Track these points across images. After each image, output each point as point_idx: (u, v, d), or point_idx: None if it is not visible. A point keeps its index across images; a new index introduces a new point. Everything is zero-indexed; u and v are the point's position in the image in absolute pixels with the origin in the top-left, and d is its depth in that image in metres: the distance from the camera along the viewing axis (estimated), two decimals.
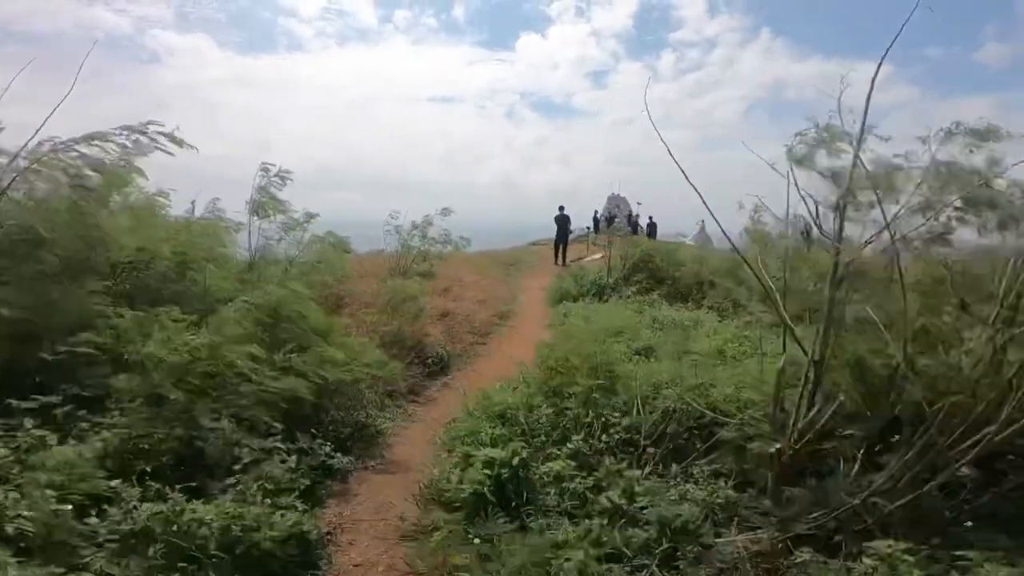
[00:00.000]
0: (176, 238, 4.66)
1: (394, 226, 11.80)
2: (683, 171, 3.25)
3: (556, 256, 17.14)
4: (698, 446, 3.85)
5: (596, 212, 25.61)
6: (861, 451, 3.10)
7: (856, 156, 3.00)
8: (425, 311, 7.32)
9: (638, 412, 4.18)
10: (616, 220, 25.51)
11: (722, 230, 3.63)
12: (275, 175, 7.39)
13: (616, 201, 28.16)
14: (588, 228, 24.48)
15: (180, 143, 4.31)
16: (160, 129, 4.20)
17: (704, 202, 3.35)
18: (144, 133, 4.14)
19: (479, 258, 16.15)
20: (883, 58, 3.02)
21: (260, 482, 3.01)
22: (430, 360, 6.25)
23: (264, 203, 7.39)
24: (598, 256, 17.66)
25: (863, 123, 2.96)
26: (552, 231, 18.34)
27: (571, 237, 18.81)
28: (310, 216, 8.26)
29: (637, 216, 24.41)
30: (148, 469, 2.96)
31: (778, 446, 3.09)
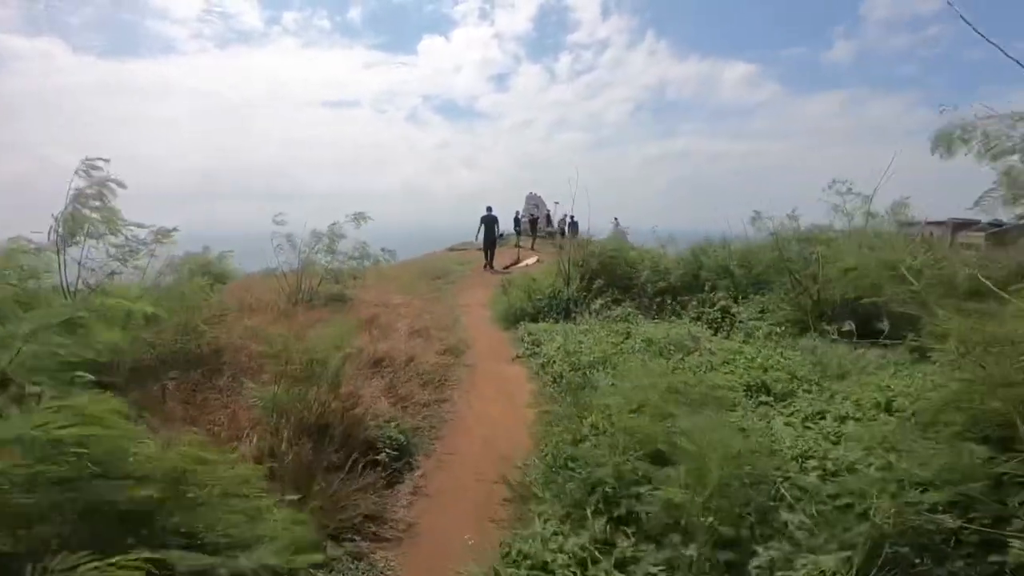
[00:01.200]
0: None
1: (284, 236, 9.02)
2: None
3: (487, 261, 15.56)
4: None
5: (517, 213, 23.96)
6: None
7: None
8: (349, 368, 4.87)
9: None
10: (538, 221, 24.07)
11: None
12: (97, 181, 4.75)
13: (535, 200, 26.76)
14: (517, 230, 22.73)
15: None
16: None
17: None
18: None
19: (399, 271, 13.64)
20: None
21: None
22: (384, 453, 3.87)
23: (82, 218, 4.74)
24: (532, 260, 15.85)
25: None
26: (471, 234, 16.35)
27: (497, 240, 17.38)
28: (164, 234, 5.50)
29: (567, 217, 23.04)
30: None
31: None
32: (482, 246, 15.87)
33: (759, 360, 5.58)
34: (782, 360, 5.59)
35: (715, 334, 7.69)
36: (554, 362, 6.46)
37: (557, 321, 8.65)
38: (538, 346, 7.31)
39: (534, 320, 8.93)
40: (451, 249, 26.45)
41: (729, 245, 9.65)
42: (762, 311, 8.04)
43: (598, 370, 5.66)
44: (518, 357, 7.25)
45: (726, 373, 5.24)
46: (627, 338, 7.07)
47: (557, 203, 26.69)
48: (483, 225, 15.53)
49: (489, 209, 15.68)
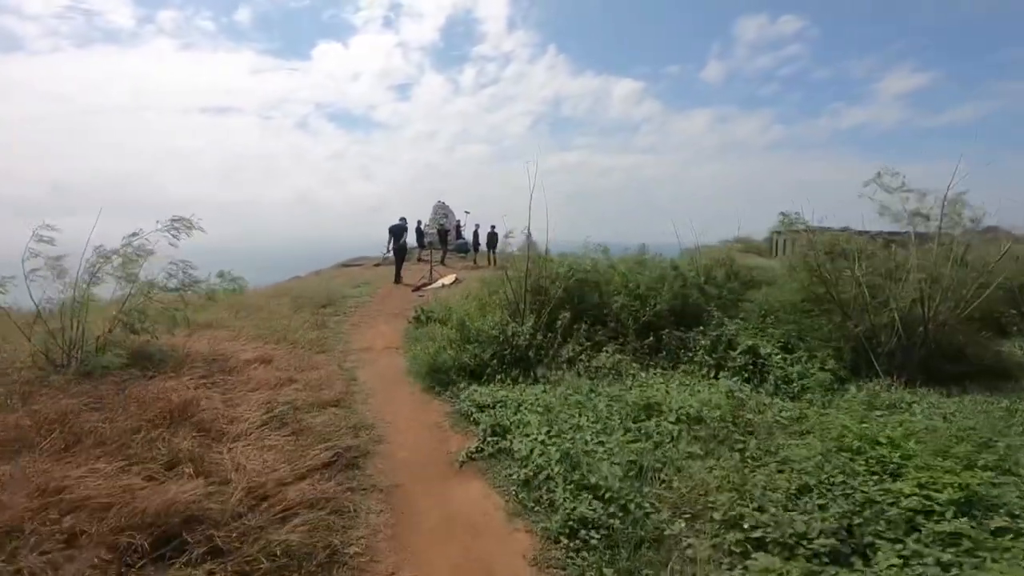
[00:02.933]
0: None
1: (49, 262, 5.08)
2: None
3: (397, 277, 13.58)
4: None
5: (420, 223, 20.53)
6: None
7: None
8: None
9: None
10: (448, 232, 20.92)
11: None
12: None
13: (444, 210, 23.51)
14: (421, 243, 19.35)
15: None
16: None
17: None
18: None
19: (269, 299, 9.73)
20: None
21: None
22: None
23: None
24: (449, 280, 12.67)
25: None
26: (368, 248, 15.80)
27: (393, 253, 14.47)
28: None
29: (479, 228, 20.12)
30: None
31: None
32: (393, 259, 14.70)
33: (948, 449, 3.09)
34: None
35: (753, 389, 5.18)
36: (549, 479, 3.43)
37: (516, 381, 5.60)
38: (501, 436, 4.22)
39: (476, 377, 5.82)
40: (344, 265, 22.28)
41: (732, 263, 7.38)
42: (803, 353, 5.75)
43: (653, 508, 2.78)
44: (471, 459, 4.10)
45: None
46: (649, 416, 4.27)
47: (468, 212, 23.79)
48: (391, 236, 14.22)
49: (403, 220, 14.83)
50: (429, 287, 12.13)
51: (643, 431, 3.91)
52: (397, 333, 8.24)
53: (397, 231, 14.29)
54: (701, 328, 6.39)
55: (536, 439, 3.92)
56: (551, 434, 3.96)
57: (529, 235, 24.03)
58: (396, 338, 7.97)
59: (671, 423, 4.03)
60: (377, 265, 20.83)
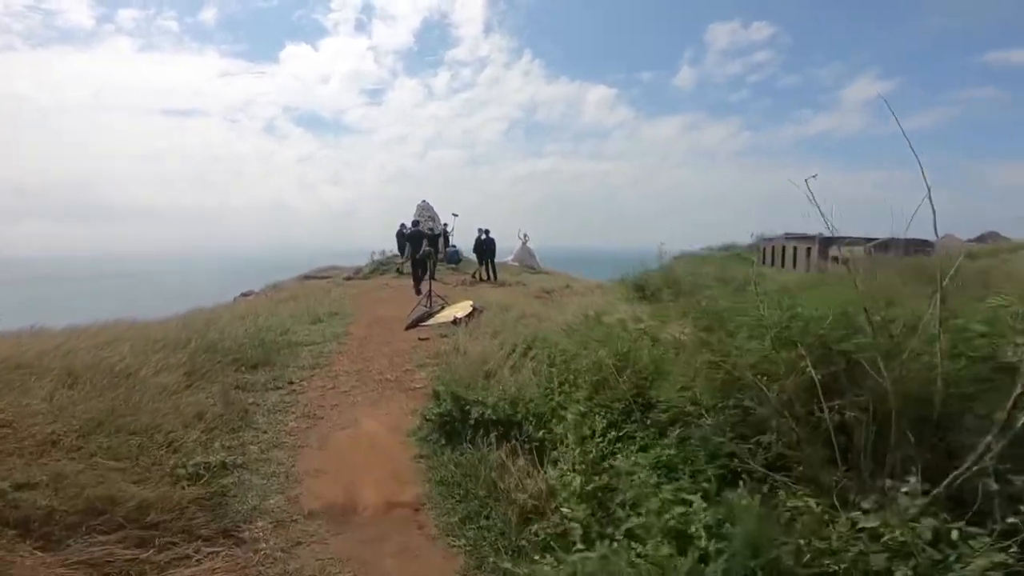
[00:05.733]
0: None
1: None
2: None
3: (418, 287, 11.09)
4: None
5: (402, 227, 16.02)
6: None
7: None
8: None
9: None
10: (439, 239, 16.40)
11: None
12: None
13: (429, 211, 18.99)
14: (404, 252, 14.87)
15: None
16: None
17: None
18: None
19: (145, 355, 5.11)
20: None
21: None
22: None
23: None
24: (462, 313, 8.15)
25: None
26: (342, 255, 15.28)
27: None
28: None
29: (481, 234, 15.59)
30: None
31: None
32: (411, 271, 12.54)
33: None
34: None
35: None
36: None
37: None
38: None
39: None
40: (306, 277, 17.45)
41: None
42: None
43: None
44: None
45: None
46: None
47: (456, 215, 19.35)
48: (408, 243, 12.92)
49: (416, 224, 13.47)
50: (432, 322, 7.65)
51: None
52: (402, 448, 3.81)
53: (415, 237, 12.26)
54: None
55: None
56: None
57: (526, 240, 19.49)
58: (404, 464, 3.54)
59: None
60: (349, 279, 16.22)
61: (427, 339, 6.62)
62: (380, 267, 16.51)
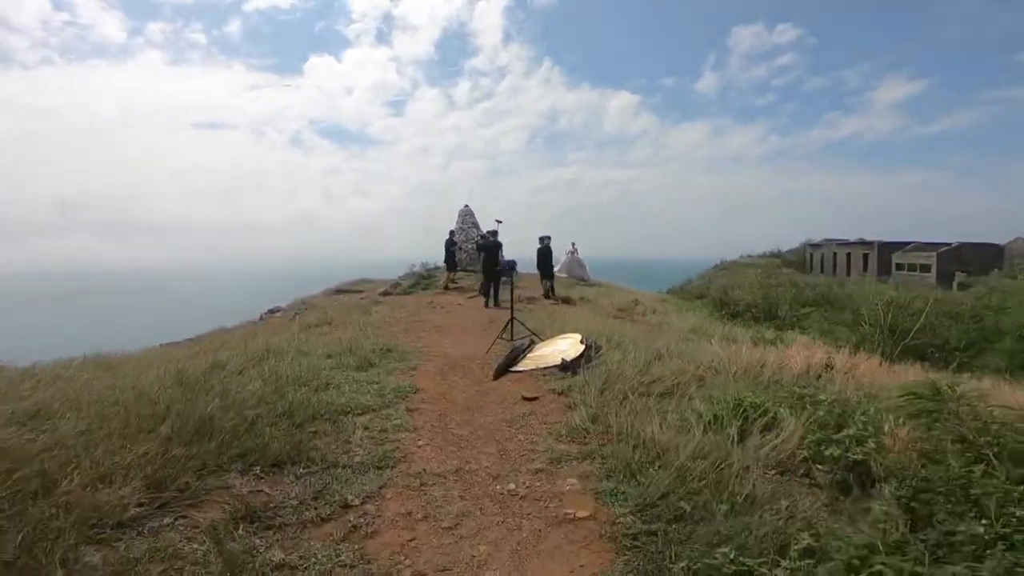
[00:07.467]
0: None
1: None
2: None
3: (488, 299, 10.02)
4: None
5: (451, 234, 13.90)
6: None
7: None
8: None
9: None
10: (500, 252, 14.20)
11: None
12: None
13: (472, 218, 16.82)
14: (453, 262, 12.73)
15: None
16: None
17: None
18: None
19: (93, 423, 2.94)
20: None
21: None
22: None
23: None
24: (575, 351, 5.74)
25: None
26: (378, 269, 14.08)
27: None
28: None
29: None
30: None
31: None
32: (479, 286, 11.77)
33: None
34: None
35: None
36: None
37: None
38: None
39: None
40: (339, 292, 15.43)
41: None
42: None
43: None
44: None
45: None
46: None
47: (500, 221, 17.15)
48: (481, 253, 11.65)
49: (494, 234, 11.59)
50: (528, 367, 5.29)
51: None
52: None
53: (491, 248, 11.21)
54: None
55: None
56: None
57: (574, 251, 17.00)
58: None
59: None
60: (385, 293, 14.11)
61: (535, 399, 4.29)
62: (421, 281, 14.35)
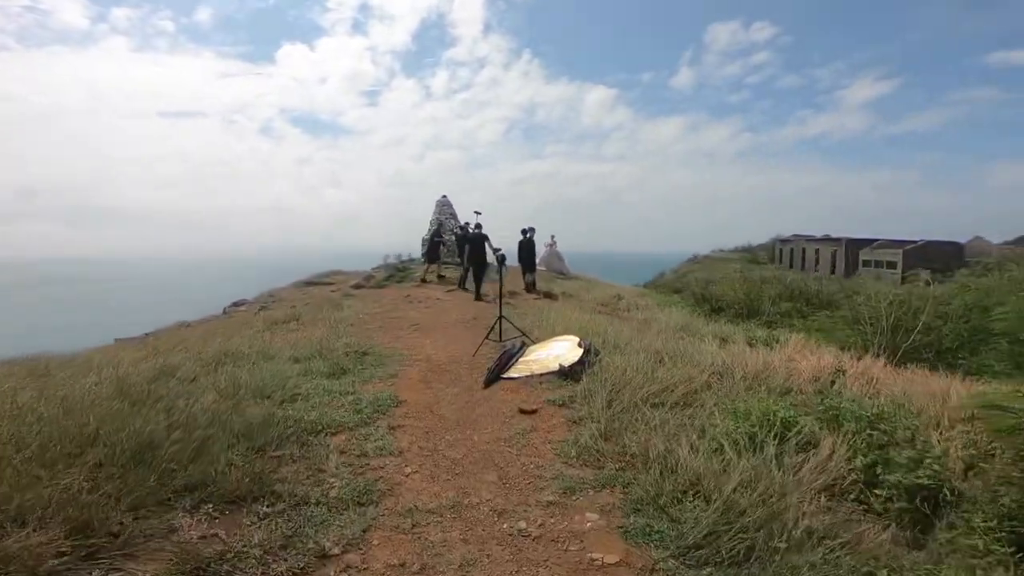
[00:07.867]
0: None
1: None
2: None
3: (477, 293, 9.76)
4: None
5: (439, 225, 13.23)
6: None
7: None
8: None
9: None
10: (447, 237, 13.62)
11: None
12: None
13: (449, 209, 16.19)
14: (434, 255, 12.16)
15: None
16: None
17: None
18: None
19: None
20: None
21: None
22: None
23: None
24: (574, 355, 5.29)
25: None
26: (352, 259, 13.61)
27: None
28: None
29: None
30: None
31: None
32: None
33: None
34: None
35: None
36: None
37: None
38: None
39: None
40: (308, 284, 14.57)
41: None
42: None
43: None
44: None
45: None
46: None
47: (479, 212, 16.61)
48: (467, 245, 10.93)
49: (479, 226, 10.87)
50: (522, 373, 4.82)
51: None
52: None
53: (477, 240, 10.63)
54: None
55: None
56: None
57: (553, 243, 16.60)
58: None
59: None
60: (358, 286, 13.38)
61: (534, 411, 3.84)
62: (396, 273, 13.69)
